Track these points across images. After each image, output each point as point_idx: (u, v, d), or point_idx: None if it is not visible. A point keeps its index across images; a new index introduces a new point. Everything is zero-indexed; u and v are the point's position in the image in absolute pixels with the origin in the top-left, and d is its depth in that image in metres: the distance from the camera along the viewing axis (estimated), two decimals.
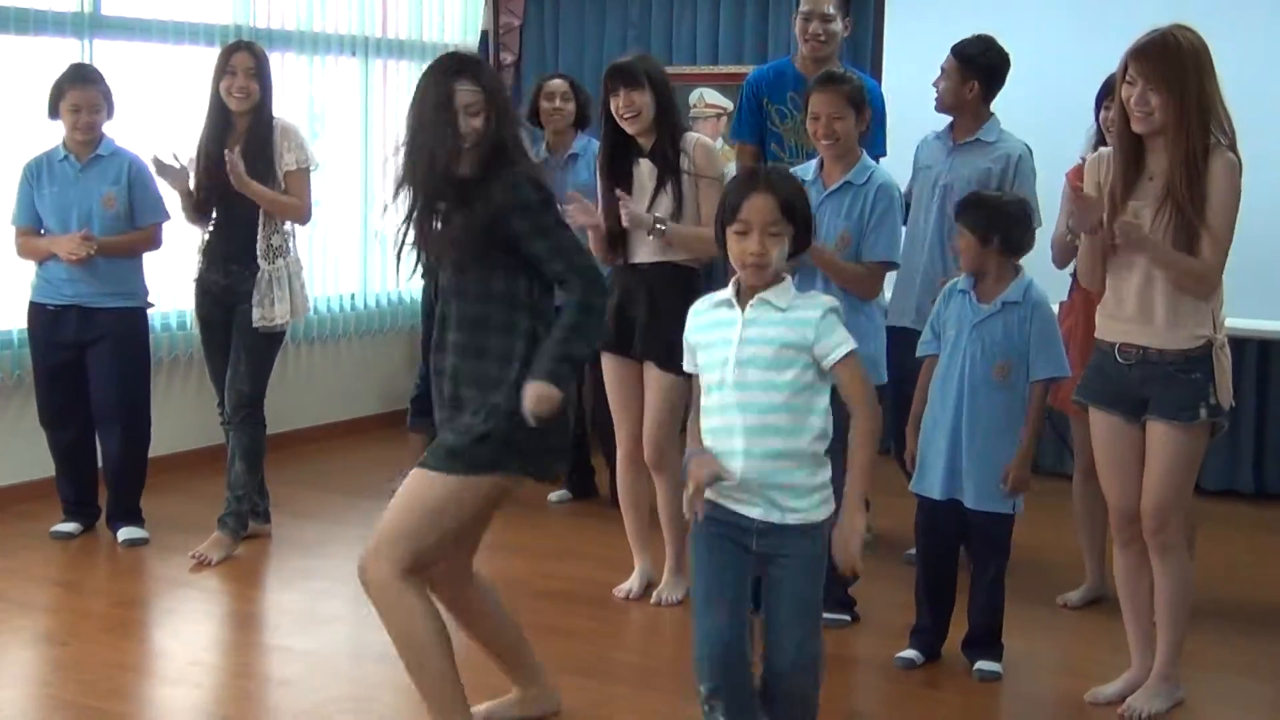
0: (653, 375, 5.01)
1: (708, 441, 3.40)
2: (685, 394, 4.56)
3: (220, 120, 5.55)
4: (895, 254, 4.75)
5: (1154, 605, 4.23)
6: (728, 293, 3.43)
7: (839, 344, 3.33)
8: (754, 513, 3.35)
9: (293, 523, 6.00)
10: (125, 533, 5.78)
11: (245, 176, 5.42)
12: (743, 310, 3.38)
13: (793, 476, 3.33)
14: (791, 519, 3.33)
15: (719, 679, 3.37)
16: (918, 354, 4.61)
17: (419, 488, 3.68)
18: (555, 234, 3.70)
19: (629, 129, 4.99)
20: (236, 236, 5.58)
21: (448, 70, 3.66)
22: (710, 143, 5.21)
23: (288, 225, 5.65)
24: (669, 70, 7.48)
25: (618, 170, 5.05)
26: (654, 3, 8.12)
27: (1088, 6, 6.55)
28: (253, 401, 5.66)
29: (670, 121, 5.03)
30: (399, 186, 3.72)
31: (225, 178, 5.45)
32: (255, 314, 5.54)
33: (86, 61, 6.03)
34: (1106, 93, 5.02)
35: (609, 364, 5.19)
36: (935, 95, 5.43)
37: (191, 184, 5.57)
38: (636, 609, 5.16)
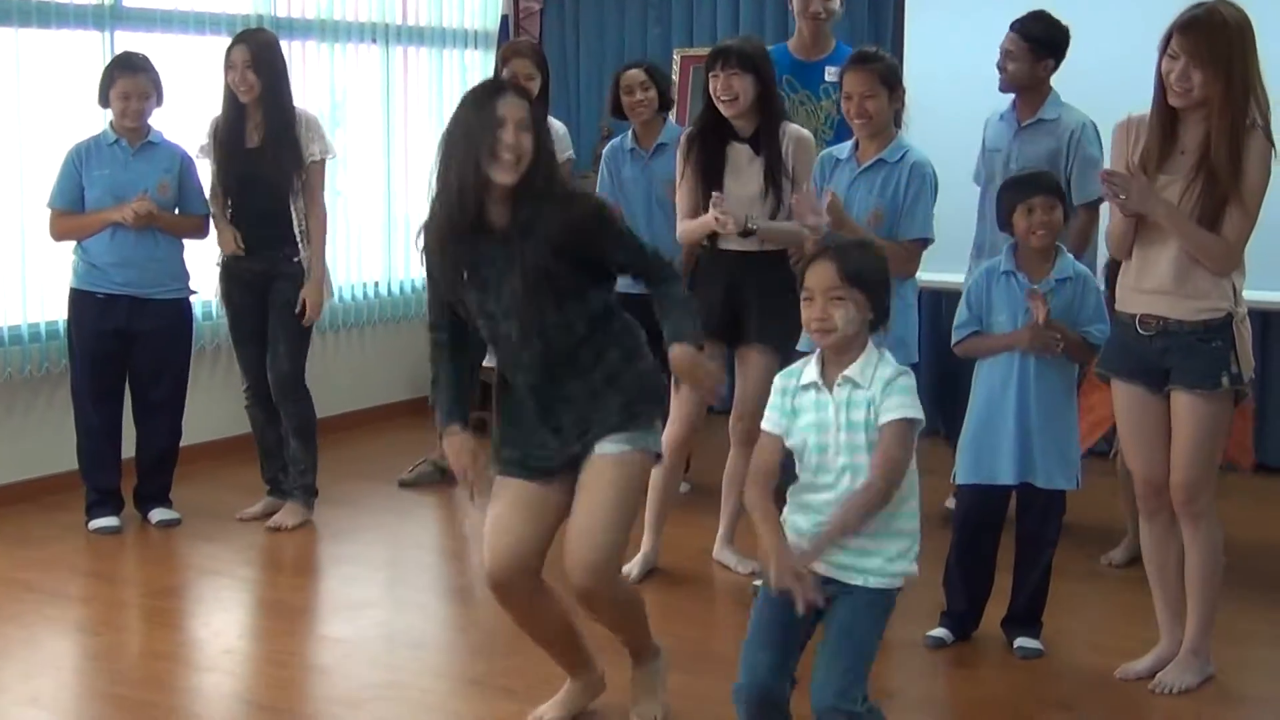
0: (763, 358, 4.92)
1: (805, 498, 3.35)
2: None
3: (234, 112, 5.66)
4: (929, 231, 4.72)
5: (1184, 579, 4.22)
6: (814, 373, 3.34)
7: (897, 407, 3.25)
8: (820, 568, 3.31)
9: (323, 509, 6.01)
10: (158, 514, 5.85)
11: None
12: (831, 392, 3.32)
13: (876, 548, 3.31)
14: (873, 581, 3.31)
15: (752, 714, 3.34)
16: (956, 339, 4.49)
17: (631, 475, 3.61)
18: (629, 235, 3.71)
19: (725, 112, 4.95)
20: (272, 223, 5.67)
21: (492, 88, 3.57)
22: (808, 137, 5.08)
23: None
24: (689, 53, 7.52)
25: (710, 151, 5.01)
26: None
27: None
28: (295, 380, 5.81)
29: (771, 110, 4.99)
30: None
31: (247, 167, 5.61)
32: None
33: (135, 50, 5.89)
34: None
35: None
36: (1001, 75, 5.37)
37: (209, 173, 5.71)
38: (688, 594, 5.10)
